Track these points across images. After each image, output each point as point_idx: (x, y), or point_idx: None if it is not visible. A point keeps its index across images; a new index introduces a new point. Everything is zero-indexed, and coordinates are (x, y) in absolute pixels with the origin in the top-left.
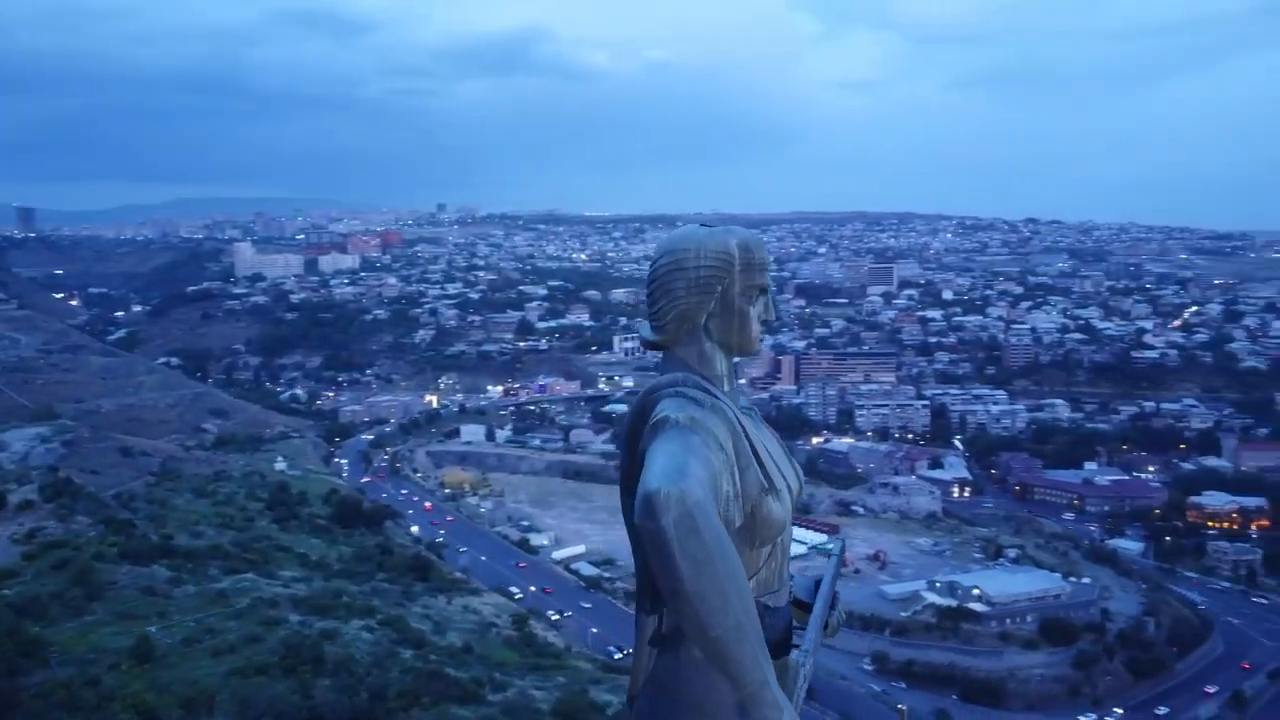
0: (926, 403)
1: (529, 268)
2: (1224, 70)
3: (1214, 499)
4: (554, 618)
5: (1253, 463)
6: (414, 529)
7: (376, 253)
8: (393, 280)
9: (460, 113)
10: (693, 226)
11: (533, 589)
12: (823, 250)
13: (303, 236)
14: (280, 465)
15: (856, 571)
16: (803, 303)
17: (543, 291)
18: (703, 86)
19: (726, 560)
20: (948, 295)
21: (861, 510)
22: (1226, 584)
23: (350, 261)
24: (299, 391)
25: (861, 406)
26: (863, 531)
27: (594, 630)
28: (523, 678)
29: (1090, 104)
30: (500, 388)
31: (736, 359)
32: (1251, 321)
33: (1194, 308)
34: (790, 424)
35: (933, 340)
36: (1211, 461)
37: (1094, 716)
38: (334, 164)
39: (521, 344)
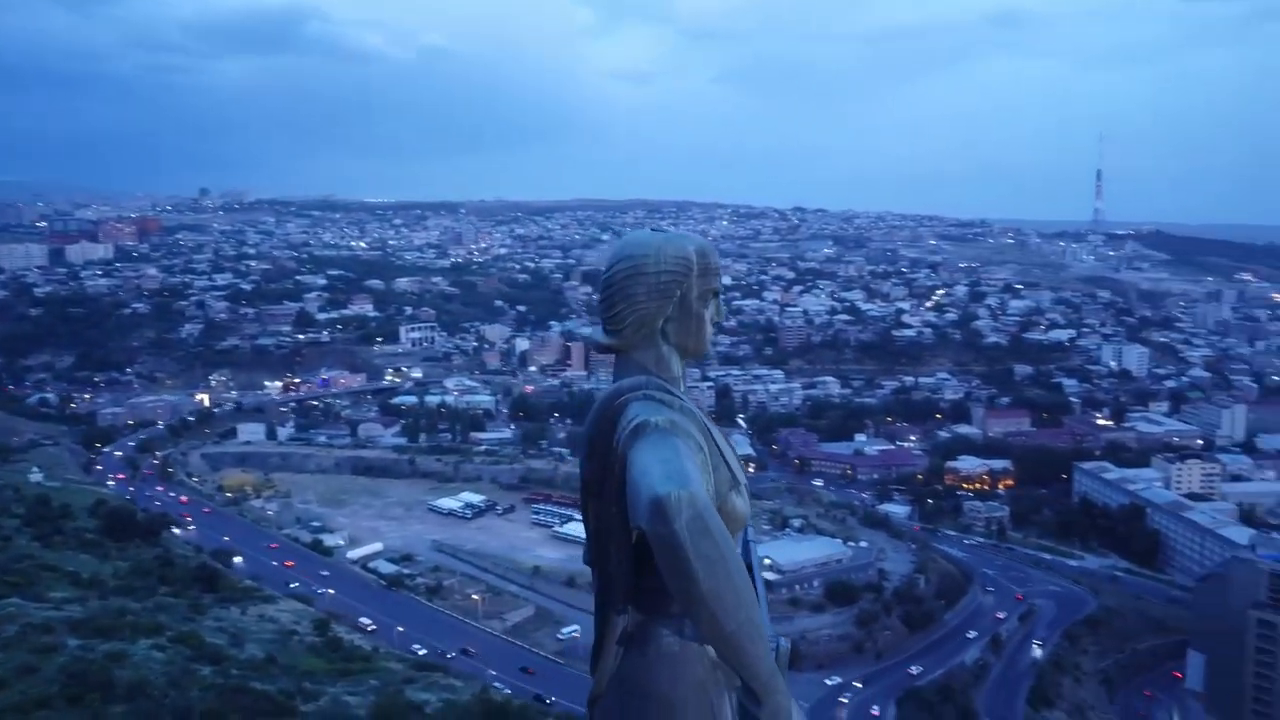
0: (711, 384)
1: (305, 256)
2: (961, 73)
3: (967, 463)
4: (368, 626)
5: (998, 429)
6: (193, 535)
7: (133, 241)
8: (153, 271)
9: (222, 92)
10: (645, 232)
11: (332, 591)
12: (606, 237)
13: (45, 224)
14: (36, 476)
15: None
16: (589, 289)
17: (322, 281)
18: (481, 74)
19: (734, 558)
20: (726, 281)
21: None
22: (981, 538)
23: (103, 251)
24: (49, 394)
25: None
26: None
27: (400, 629)
28: (333, 685)
29: (848, 100)
30: (279, 383)
31: (688, 361)
32: (992, 301)
33: (943, 290)
34: (583, 409)
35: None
36: (964, 429)
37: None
38: (79, 146)
39: (301, 336)
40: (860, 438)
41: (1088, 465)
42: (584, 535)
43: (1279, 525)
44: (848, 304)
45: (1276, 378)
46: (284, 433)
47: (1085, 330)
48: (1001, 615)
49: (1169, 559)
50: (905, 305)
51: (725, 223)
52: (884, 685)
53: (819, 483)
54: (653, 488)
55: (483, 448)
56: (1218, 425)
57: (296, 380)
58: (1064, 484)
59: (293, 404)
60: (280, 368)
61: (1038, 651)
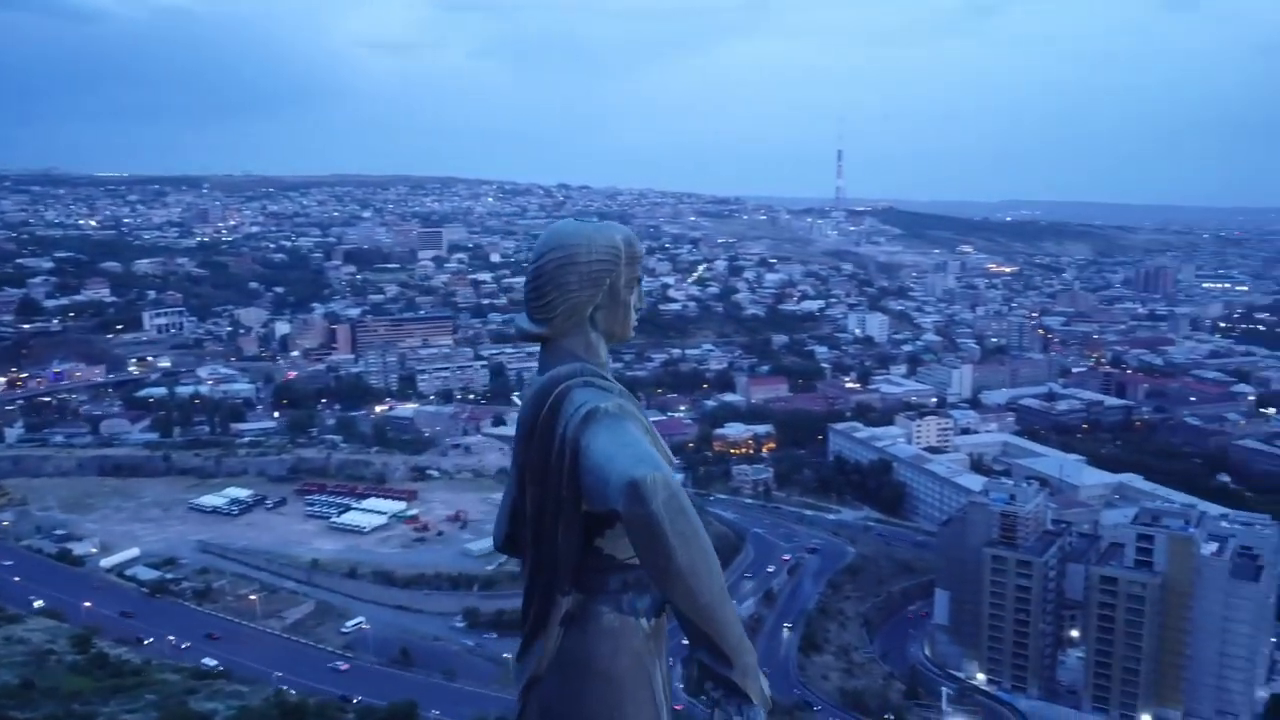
0: (485, 363)
1: (26, 237)
2: (717, 53)
3: (733, 429)
4: (137, 638)
5: (760, 396)
6: None
7: None
8: None
9: None
10: (569, 221)
11: (89, 604)
12: (367, 214)
13: None
14: None
15: (440, 534)
16: (353, 269)
17: (48, 264)
18: (225, 37)
19: (704, 533)
20: (495, 258)
21: (436, 473)
22: (750, 500)
23: None
24: None
25: (423, 371)
26: (441, 494)
27: (170, 638)
28: (106, 704)
29: (611, 77)
30: (2, 379)
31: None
32: (750, 275)
33: (705, 264)
34: (352, 393)
35: (485, 302)
36: (729, 398)
37: None
38: None
39: (26, 326)
40: None
41: (840, 426)
42: (498, 520)
43: (1003, 471)
44: None
45: (994, 340)
46: (12, 434)
47: (833, 300)
48: (771, 569)
49: (914, 508)
50: (670, 280)
51: (491, 199)
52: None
53: None
54: (627, 471)
55: (246, 439)
56: (948, 384)
57: (23, 375)
58: (820, 444)
59: (20, 401)
60: (4, 361)
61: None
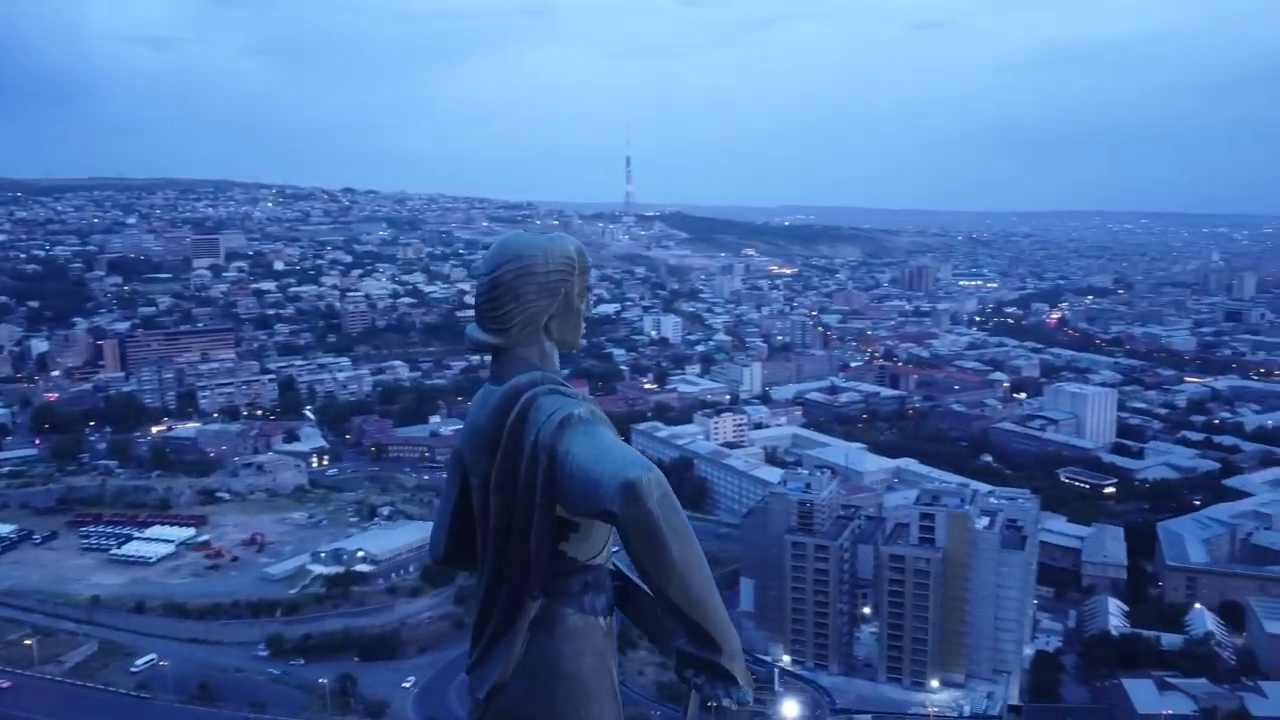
0: (272, 376)
1: None
2: (502, 57)
3: None
4: None
5: None
6: None
7: None
8: None
9: None
10: (524, 233)
11: None
12: (133, 221)
13: None
14: None
15: (235, 560)
16: (120, 279)
17: None
18: None
19: (691, 530)
20: (279, 266)
21: (227, 495)
22: None
23: None
24: None
25: (204, 387)
26: (234, 516)
27: None
28: None
29: (394, 79)
30: None
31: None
32: None
33: None
34: (124, 414)
35: (270, 312)
36: None
37: None
38: None
39: None
40: (435, 419)
41: (642, 426)
42: (437, 532)
43: (795, 462)
44: (410, 287)
45: (780, 338)
46: None
47: (628, 303)
48: None
49: (716, 501)
50: (465, 286)
51: (270, 204)
52: None
53: (405, 469)
54: (621, 473)
55: (4, 469)
56: (740, 381)
57: None
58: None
59: None
60: None
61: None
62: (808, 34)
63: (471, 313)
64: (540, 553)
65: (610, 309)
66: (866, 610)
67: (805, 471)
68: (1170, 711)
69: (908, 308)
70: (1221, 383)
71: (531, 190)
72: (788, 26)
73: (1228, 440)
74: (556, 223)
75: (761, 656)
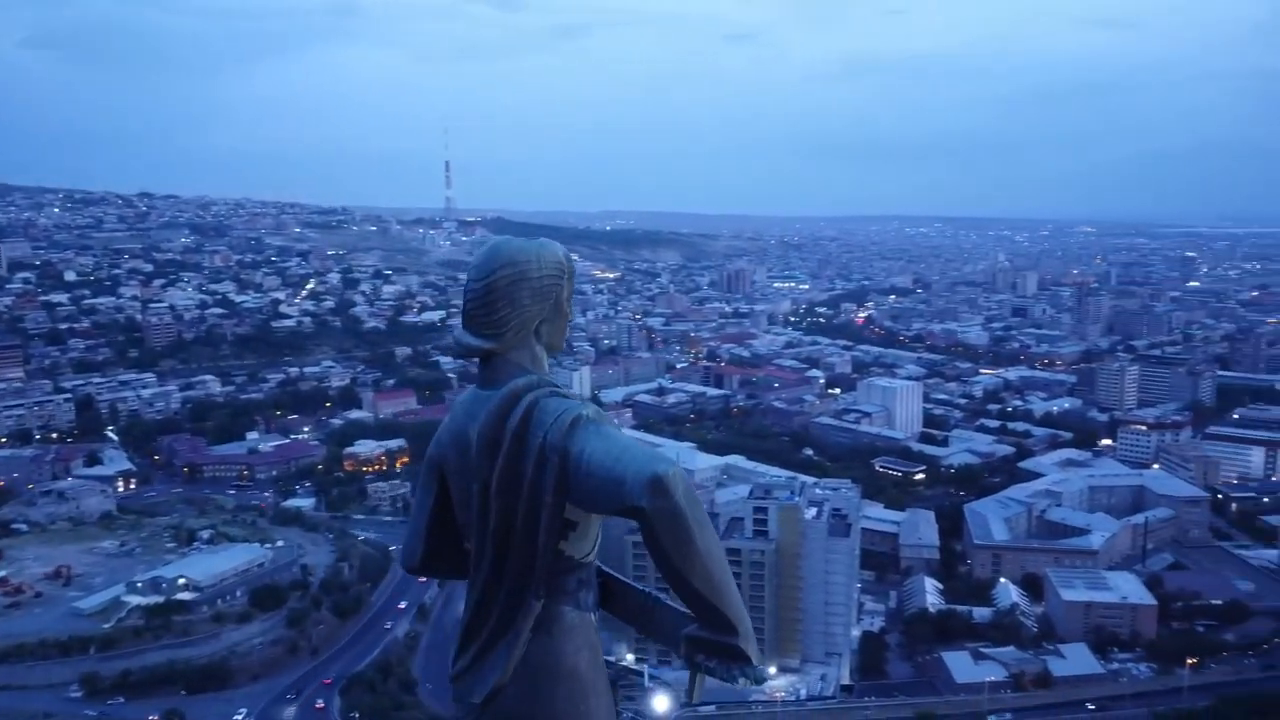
0: (68, 395)
1: None
2: (309, 58)
3: (364, 447)
4: None
5: (388, 410)
6: None
7: None
8: None
9: None
10: (515, 239)
11: None
12: None
13: None
14: None
15: (39, 595)
16: None
17: None
18: None
19: (708, 518)
20: (71, 276)
21: (25, 526)
22: (389, 517)
23: None
24: None
25: None
26: (34, 549)
27: None
28: None
29: (192, 78)
30: None
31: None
32: (366, 287)
33: (316, 278)
34: None
35: (63, 326)
36: (356, 414)
37: None
38: None
39: None
40: (252, 435)
41: None
42: (411, 540)
43: None
44: (219, 296)
45: (607, 341)
46: None
47: (454, 310)
48: (424, 581)
49: None
50: (280, 295)
51: (58, 210)
52: (324, 678)
53: (222, 490)
54: (648, 468)
55: None
56: (571, 385)
57: None
58: None
59: None
60: None
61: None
62: (625, 42)
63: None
64: (547, 552)
65: (435, 316)
66: None
67: None
68: (988, 679)
69: (727, 309)
70: (1012, 373)
71: (346, 195)
72: (605, 34)
73: (1020, 426)
74: (374, 228)
75: (607, 658)
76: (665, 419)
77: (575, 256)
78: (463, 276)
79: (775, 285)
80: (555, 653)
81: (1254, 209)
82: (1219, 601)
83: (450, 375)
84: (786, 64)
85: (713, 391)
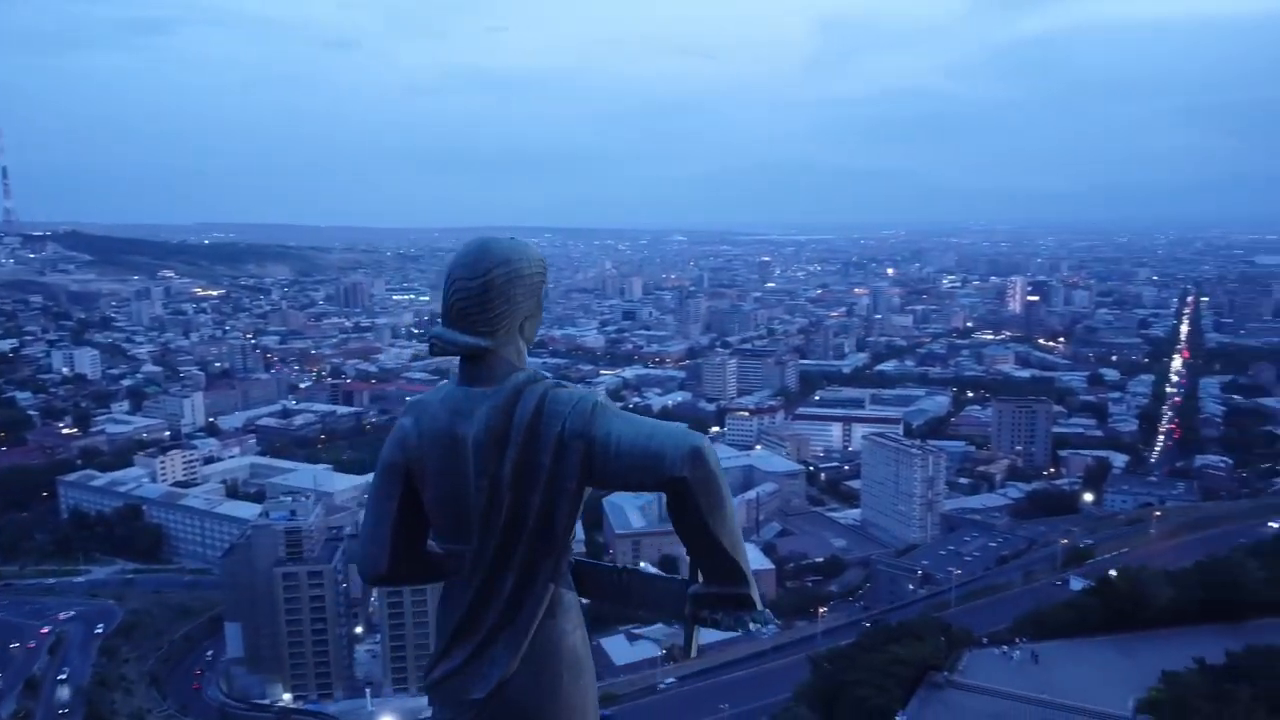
0: None
1: None
2: None
3: None
4: None
5: None
6: None
7: None
8: None
9: None
10: (494, 237)
11: None
12: None
13: None
14: None
15: None
16: None
17: None
18: None
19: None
20: None
21: None
22: None
23: None
24: None
25: None
26: None
27: None
28: None
29: None
30: None
31: None
32: None
33: None
34: None
35: None
36: None
37: None
38: None
39: None
40: None
41: (71, 477)
42: (377, 548)
43: (259, 493)
44: None
45: (218, 364)
46: None
47: (27, 338)
48: (33, 645)
49: (176, 548)
50: None
51: None
52: None
53: None
54: (685, 441)
55: None
56: (181, 414)
57: None
58: (50, 501)
59: None
60: None
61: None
62: (214, 43)
63: None
64: (566, 536)
65: (5, 346)
66: (359, 630)
67: (288, 499)
68: (645, 656)
69: (348, 324)
70: (629, 372)
71: None
72: (191, 33)
73: None
74: None
75: (259, 701)
76: (294, 442)
77: (170, 274)
78: (35, 299)
79: (395, 298)
80: (558, 634)
81: (812, 219)
82: (821, 559)
83: (31, 413)
84: (391, 73)
85: (343, 409)
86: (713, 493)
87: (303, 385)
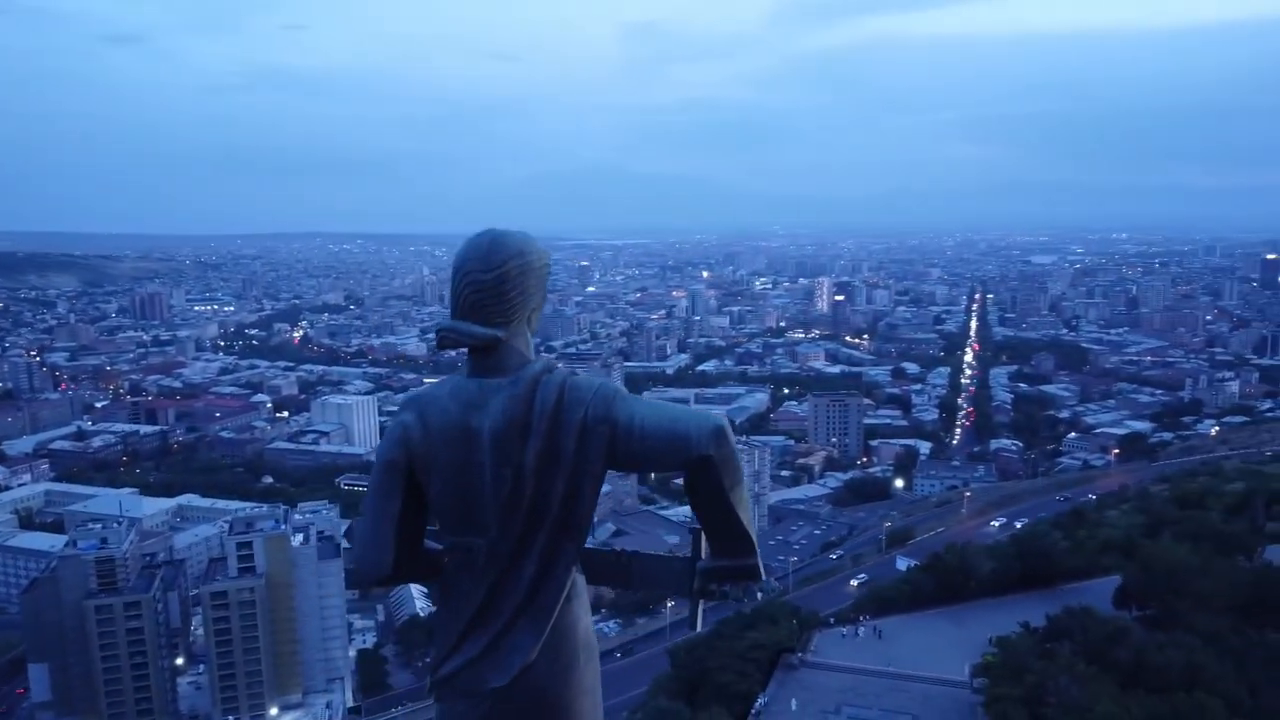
0: None
1: None
2: None
3: None
4: None
5: None
6: None
7: None
8: None
9: None
10: (504, 229)
11: None
12: None
13: None
14: None
15: None
16: None
17: None
18: None
19: None
20: None
21: None
22: None
23: None
24: None
25: None
26: None
27: None
28: None
29: None
30: None
31: None
32: None
33: None
34: None
35: None
36: None
37: None
38: None
39: None
40: None
41: None
42: (381, 547)
43: (56, 521)
44: None
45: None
46: None
47: None
48: None
49: None
50: None
51: None
52: None
53: None
54: (709, 422)
55: None
56: None
57: None
58: None
59: None
60: None
61: None
62: None
63: None
64: (589, 519)
65: None
66: (180, 660)
67: (97, 526)
68: None
69: (145, 338)
70: None
71: None
72: None
73: None
74: None
75: None
76: (92, 465)
77: None
78: None
79: (197, 308)
80: (573, 618)
81: (626, 223)
82: None
83: None
84: (182, 71)
85: (146, 429)
86: (734, 469)
87: (99, 404)
